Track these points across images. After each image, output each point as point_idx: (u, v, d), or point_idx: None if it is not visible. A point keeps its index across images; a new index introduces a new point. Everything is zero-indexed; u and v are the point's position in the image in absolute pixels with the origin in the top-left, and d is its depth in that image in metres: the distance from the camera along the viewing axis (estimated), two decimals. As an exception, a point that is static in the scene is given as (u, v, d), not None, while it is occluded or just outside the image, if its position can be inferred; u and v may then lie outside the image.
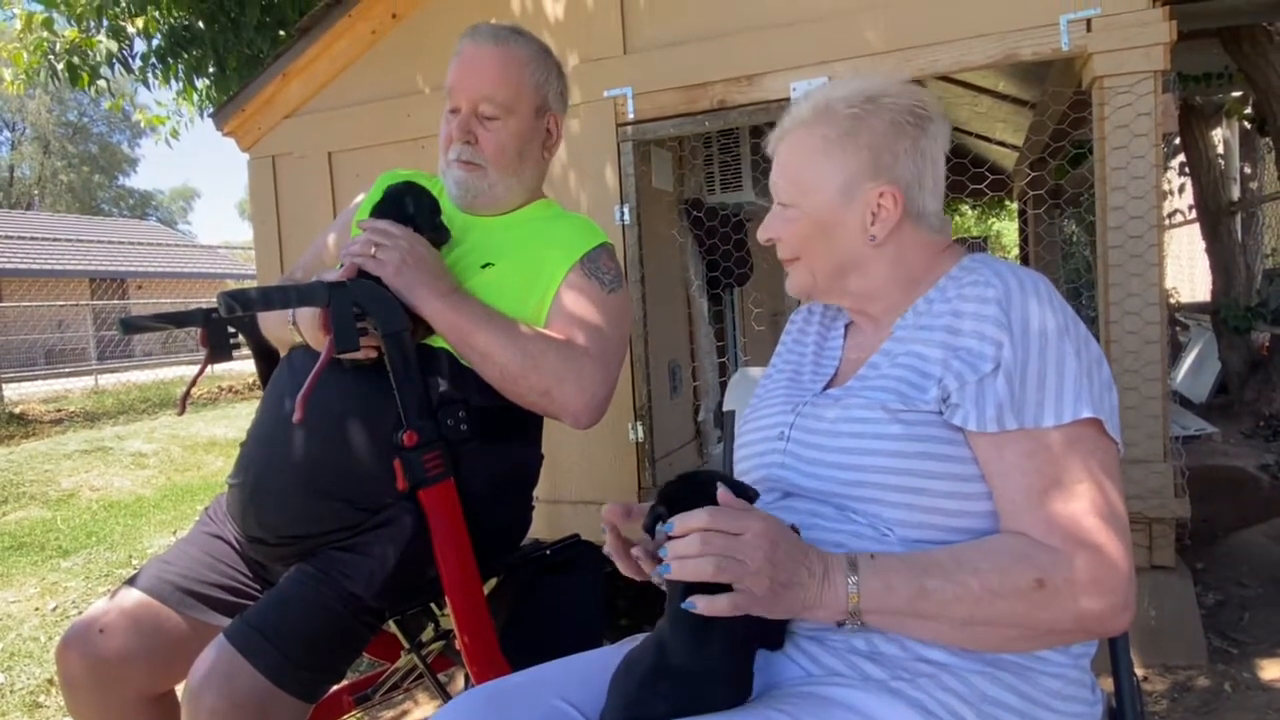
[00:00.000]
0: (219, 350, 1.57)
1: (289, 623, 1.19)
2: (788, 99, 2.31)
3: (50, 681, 2.67)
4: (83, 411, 8.58)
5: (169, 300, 16.65)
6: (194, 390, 1.74)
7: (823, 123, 1.00)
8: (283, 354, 1.59)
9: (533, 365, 1.28)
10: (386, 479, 1.25)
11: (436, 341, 1.34)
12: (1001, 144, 5.26)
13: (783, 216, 1.04)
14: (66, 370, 11.75)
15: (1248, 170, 5.29)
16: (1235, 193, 4.85)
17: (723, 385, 3.49)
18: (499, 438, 1.39)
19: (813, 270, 1.03)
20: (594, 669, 0.94)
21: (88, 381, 11.06)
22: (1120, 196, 2.05)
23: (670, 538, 0.80)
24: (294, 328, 1.35)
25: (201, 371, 1.60)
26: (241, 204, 45.41)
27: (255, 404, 1.44)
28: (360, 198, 1.61)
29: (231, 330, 1.59)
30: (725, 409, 1.43)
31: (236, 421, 7.85)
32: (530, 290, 1.39)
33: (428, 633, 1.48)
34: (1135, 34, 2.00)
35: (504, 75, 1.42)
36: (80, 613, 3.26)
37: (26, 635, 3.05)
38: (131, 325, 1.50)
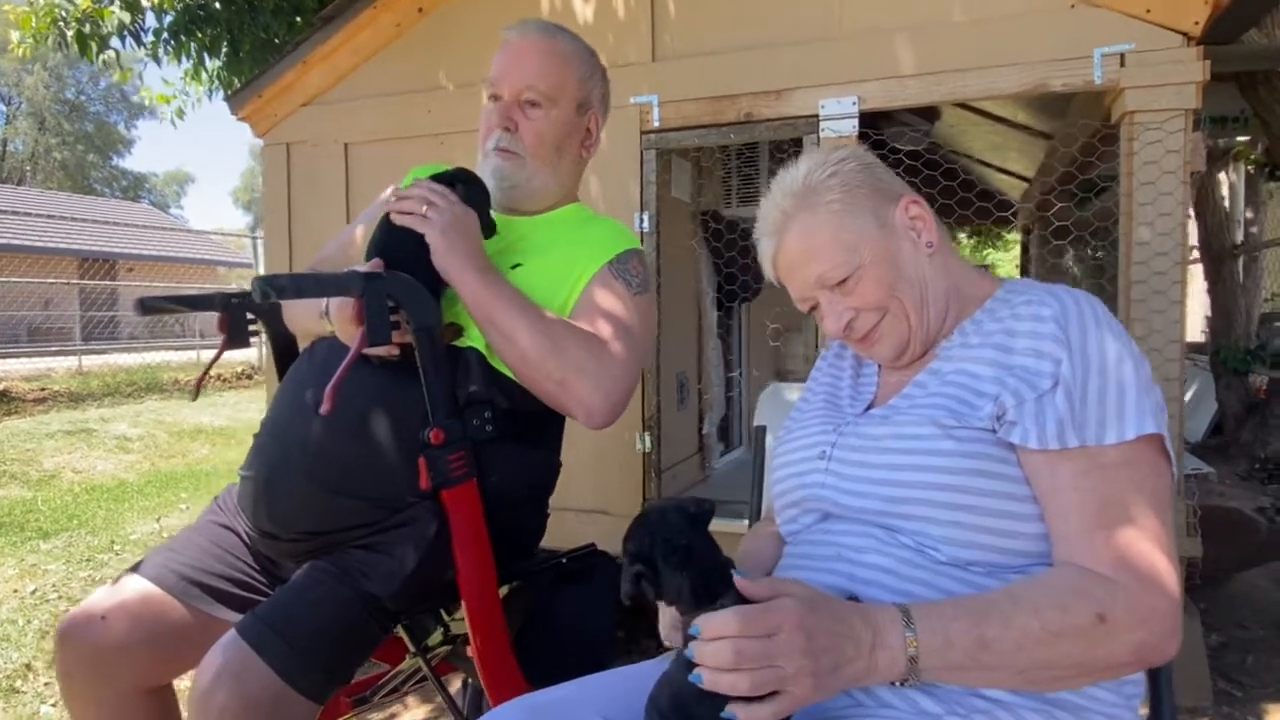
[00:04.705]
0: (236, 336, 1.53)
1: (304, 621, 1.15)
2: (815, 115, 2.30)
3: (28, 666, 2.60)
4: (67, 392, 8.45)
5: (161, 284, 16.46)
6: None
7: (817, 198, 1.02)
8: (301, 345, 1.56)
9: (553, 352, 1.25)
10: (408, 477, 1.22)
11: (464, 342, 1.32)
12: (1010, 174, 5.29)
13: (849, 289, 1.01)
14: (53, 349, 11.60)
15: (1249, 215, 5.33)
16: (1239, 236, 4.89)
17: (728, 400, 3.47)
18: (522, 441, 1.36)
19: (905, 313, 1.00)
20: (632, 686, 0.91)
21: (71, 361, 10.91)
22: (1146, 232, 2.05)
23: (690, 634, 0.76)
24: (325, 318, 1.32)
25: (217, 357, 1.56)
26: (236, 191, 45.11)
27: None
28: (389, 191, 1.58)
29: (250, 317, 1.56)
30: (756, 424, 1.41)
31: (223, 410, 7.76)
32: (557, 290, 1.37)
33: (435, 637, 1.44)
34: (1169, 71, 2.01)
35: (549, 65, 1.41)
36: (60, 596, 3.22)
37: (4, 618, 2.98)
38: (149, 306, 1.48)
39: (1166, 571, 0.80)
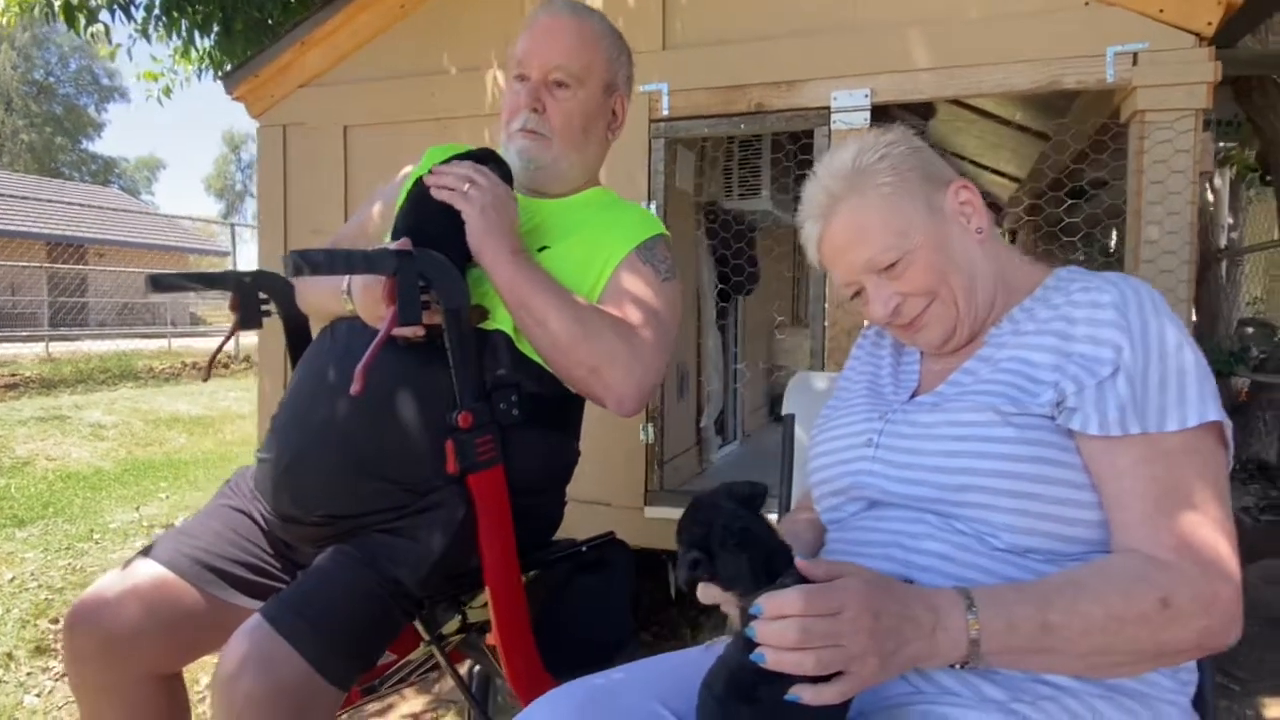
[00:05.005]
0: (249, 317, 1.50)
1: (331, 607, 1.12)
2: (827, 108, 2.29)
3: (10, 656, 2.53)
4: (38, 378, 8.26)
5: (132, 270, 16.07)
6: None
7: (867, 180, 1.01)
8: (315, 326, 1.52)
9: (585, 339, 1.23)
10: (435, 461, 1.19)
11: (491, 325, 1.29)
12: (1000, 174, 5.32)
13: (897, 274, 1.00)
14: (20, 335, 11.33)
15: (1230, 220, 5.42)
16: (1224, 240, 4.97)
17: (724, 394, 3.45)
18: (547, 427, 1.34)
19: (955, 299, 0.99)
20: (685, 672, 0.89)
21: (39, 348, 10.66)
22: (1155, 231, 2.06)
23: (752, 614, 0.74)
24: (346, 297, 1.28)
25: (229, 336, 1.53)
26: (209, 179, 44.31)
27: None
28: (408, 169, 1.55)
29: (263, 297, 1.52)
30: (785, 412, 1.40)
31: (199, 399, 7.61)
32: (585, 274, 1.35)
33: (451, 625, 1.42)
34: (1181, 71, 2.02)
35: (579, 45, 1.39)
36: (40, 585, 3.13)
37: (-18, 606, 2.90)
38: (161, 283, 1.43)
39: (1229, 558, 0.80)
